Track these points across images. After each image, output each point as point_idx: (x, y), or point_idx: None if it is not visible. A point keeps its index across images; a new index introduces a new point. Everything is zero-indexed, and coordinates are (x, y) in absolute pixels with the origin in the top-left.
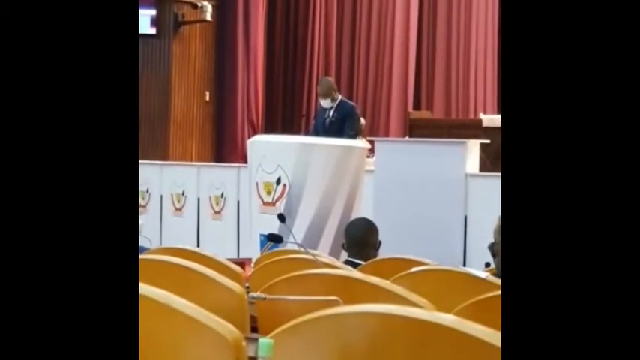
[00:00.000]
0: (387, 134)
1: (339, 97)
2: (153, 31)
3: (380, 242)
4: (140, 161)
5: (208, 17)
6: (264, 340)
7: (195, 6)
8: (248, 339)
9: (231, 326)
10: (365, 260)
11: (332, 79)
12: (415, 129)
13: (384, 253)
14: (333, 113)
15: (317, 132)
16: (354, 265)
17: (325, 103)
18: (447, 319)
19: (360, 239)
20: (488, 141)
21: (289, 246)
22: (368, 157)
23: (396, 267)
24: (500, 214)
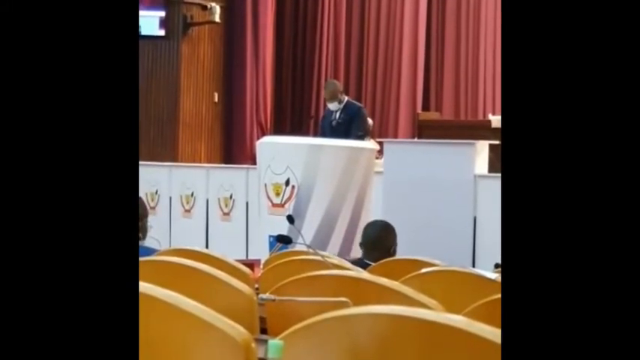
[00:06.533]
0: (395, 135)
1: (346, 98)
2: (162, 32)
3: (395, 247)
4: (149, 162)
5: (217, 19)
6: (273, 342)
7: (204, 7)
8: (258, 340)
9: (240, 328)
10: (375, 262)
11: (337, 81)
12: (424, 130)
13: None
14: (340, 114)
15: (324, 133)
16: (365, 266)
17: (333, 106)
18: (457, 320)
19: (374, 240)
20: (497, 142)
21: (298, 247)
22: (377, 158)
23: (406, 268)
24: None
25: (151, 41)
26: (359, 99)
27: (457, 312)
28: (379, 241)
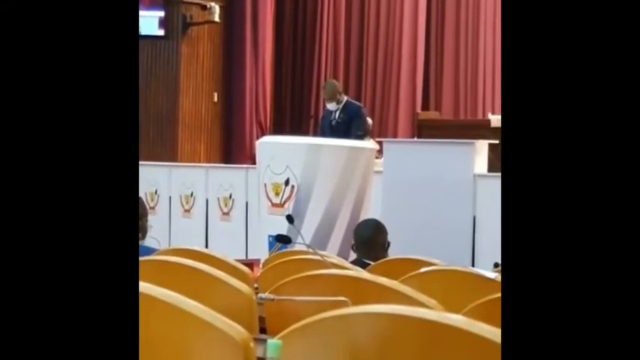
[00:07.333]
0: (395, 135)
1: (345, 98)
2: (161, 32)
3: (389, 243)
4: (149, 162)
5: (216, 18)
6: (272, 341)
7: (203, 7)
8: (256, 340)
9: (239, 327)
10: (374, 261)
11: (336, 81)
12: (424, 129)
13: (392, 253)
14: (339, 114)
15: (324, 133)
16: (363, 265)
17: (331, 106)
18: (456, 319)
19: (368, 239)
20: (496, 141)
21: (298, 247)
22: (376, 157)
23: (405, 267)
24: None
25: (150, 41)
26: (358, 99)
27: (456, 311)
28: (374, 240)
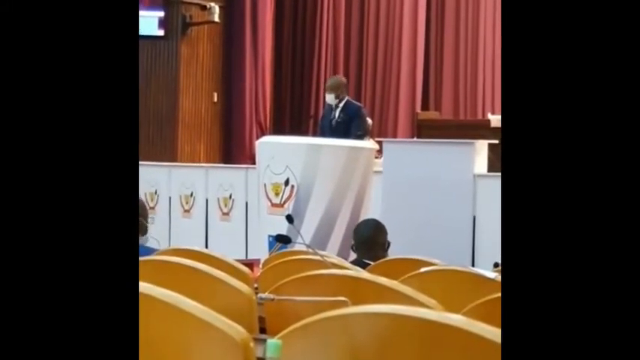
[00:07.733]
0: (395, 135)
1: (346, 97)
2: (161, 32)
3: (389, 243)
4: (148, 162)
5: (216, 18)
6: (272, 341)
7: (203, 7)
8: (256, 340)
9: (239, 327)
10: (374, 261)
11: (343, 79)
12: (423, 129)
13: (392, 253)
14: (339, 114)
15: (323, 132)
16: (363, 265)
17: (329, 99)
18: (456, 319)
19: (368, 239)
20: (496, 141)
21: (298, 247)
22: (376, 157)
23: (405, 267)
24: None
25: (150, 41)
26: (358, 99)
27: (456, 311)
28: (373, 240)
